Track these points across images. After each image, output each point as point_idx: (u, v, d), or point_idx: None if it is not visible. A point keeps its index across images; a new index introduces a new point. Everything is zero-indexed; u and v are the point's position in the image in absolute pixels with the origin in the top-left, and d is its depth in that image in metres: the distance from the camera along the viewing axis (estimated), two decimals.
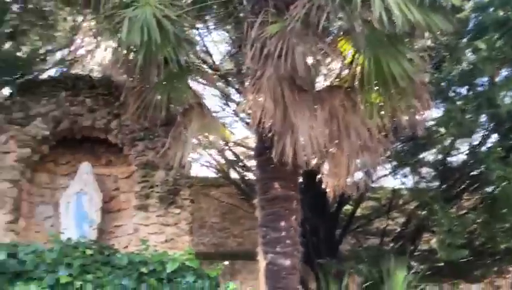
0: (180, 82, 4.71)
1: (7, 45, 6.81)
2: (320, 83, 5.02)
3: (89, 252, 4.56)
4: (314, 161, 4.50)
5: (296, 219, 4.55)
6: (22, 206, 6.11)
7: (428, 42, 6.15)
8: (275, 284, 4.38)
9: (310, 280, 8.95)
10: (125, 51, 4.44)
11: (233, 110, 9.94)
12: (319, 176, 5.23)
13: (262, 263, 4.52)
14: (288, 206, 4.51)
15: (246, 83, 5.39)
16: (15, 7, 6.47)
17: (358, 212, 9.61)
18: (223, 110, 9.65)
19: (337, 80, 4.78)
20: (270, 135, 4.35)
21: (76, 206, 6.40)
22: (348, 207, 9.53)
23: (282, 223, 4.46)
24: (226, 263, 5.10)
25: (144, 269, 4.45)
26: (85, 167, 6.64)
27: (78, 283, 4.20)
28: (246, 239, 12.36)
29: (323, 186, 4.85)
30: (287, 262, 4.37)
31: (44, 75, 7.16)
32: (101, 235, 6.51)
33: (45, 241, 6.20)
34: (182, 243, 6.06)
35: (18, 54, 6.79)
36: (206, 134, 4.93)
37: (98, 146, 7.00)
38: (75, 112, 6.47)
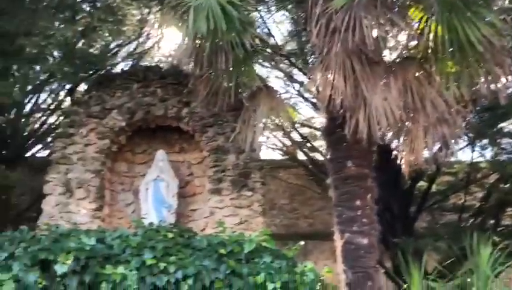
0: (247, 66, 4.73)
1: (80, 43, 7.19)
2: (391, 55, 4.82)
3: (170, 235, 4.77)
4: (389, 136, 4.34)
5: (371, 197, 4.45)
6: (105, 195, 6.46)
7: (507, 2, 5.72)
8: (352, 263, 4.34)
9: (385, 259, 8.79)
10: (192, 40, 4.52)
11: (298, 91, 9.89)
12: (393, 152, 5.07)
13: (338, 242, 4.49)
14: (362, 184, 4.43)
15: (311, 62, 5.31)
16: (86, 6, 6.78)
17: (434, 188, 9.25)
18: (287, 91, 9.63)
19: (409, 51, 4.57)
20: (340, 112, 4.27)
21: (154, 193, 6.69)
22: (422, 183, 9.20)
23: (358, 202, 4.38)
24: (302, 243, 5.10)
25: (222, 250, 4.57)
26: (160, 155, 6.90)
27: (162, 265, 4.41)
28: (317, 220, 12.34)
29: (398, 162, 4.71)
30: (365, 241, 4.31)
31: (116, 69, 7.49)
32: (178, 219, 6.77)
33: (128, 226, 6.58)
34: (256, 225, 6.16)
35: (91, 50, 7.13)
36: (275, 116, 4.91)
37: (171, 134, 7.25)
38: (148, 102, 6.72)
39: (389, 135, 4.52)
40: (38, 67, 6.56)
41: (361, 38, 3.80)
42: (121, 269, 4.29)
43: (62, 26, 6.16)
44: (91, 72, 6.96)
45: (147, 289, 4.33)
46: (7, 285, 4.01)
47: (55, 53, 6.51)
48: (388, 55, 5.00)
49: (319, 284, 4.63)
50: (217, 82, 4.95)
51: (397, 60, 4.62)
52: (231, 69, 4.75)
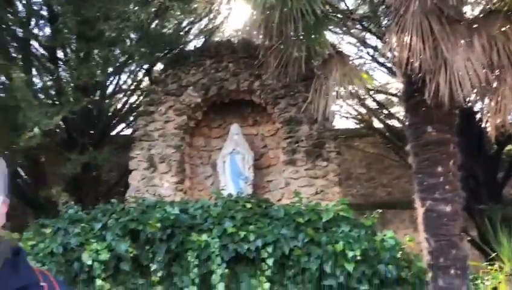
0: (317, 34, 4.63)
1: (154, 24, 7.42)
2: (473, 11, 4.47)
3: (248, 205, 4.92)
4: (472, 98, 4.07)
5: (454, 163, 4.23)
6: (185, 168, 6.76)
7: None
8: (435, 231, 4.18)
9: (470, 227, 8.40)
10: (261, 11, 4.49)
11: (372, 56, 9.54)
12: (477, 115, 4.76)
13: (420, 210, 4.34)
14: (444, 150, 4.21)
15: (385, 24, 5.08)
16: None
17: None
18: (361, 57, 9.32)
19: (494, 4, 4.21)
20: (419, 75, 4.07)
21: (231, 165, 6.88)
22: (510, 147, 8.62)
23: (439, 169, 4.19)
24: (379, 211, 5.02)
25: (300, 220, 4.64)
26: (235, 129, 7.06)
27: (242, 233, 4.58)
28: (395, 188, 12.04)
29: (482, 125, 4.43)
30: (448, 208, 4.12)
31: (189, 47, 7.68)
32: (255, 190, 6.93)
33: (209, 198, 6.86)
34: (332, 195, 6.14)
35: (164, 30, 7.35)
36: (348, 83, 4.79)
37: (244, 107, 7.37)
38: (221, 77, 6.86)
39: (473, 96, 4.23)
40: (117, 50, 6.89)
41: None
42: (204, 237, 4.52)
43: (137, 8, 6.39)
44: (166, 51, 7.18)
45: (229, 255, 4.53)
46: (103, 254, 4.38)
47: (132, 35, 6.78)
48: (469, 12, 4.65)
49: (400, 252, 4.56)
50: (287, 52, 4.89)
51: (480, 16, 4.27)
52: (301, 37, 4.68)
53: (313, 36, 4.69)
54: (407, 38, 3.91)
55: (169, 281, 4.61)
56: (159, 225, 4.45)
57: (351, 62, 4.91)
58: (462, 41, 3.82)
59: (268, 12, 4.46)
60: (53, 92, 6.96)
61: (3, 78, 6.37)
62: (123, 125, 10.35)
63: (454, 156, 4.24)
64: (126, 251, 4.40)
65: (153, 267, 4.54)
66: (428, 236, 4.22)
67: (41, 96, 6.48)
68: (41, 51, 7.25)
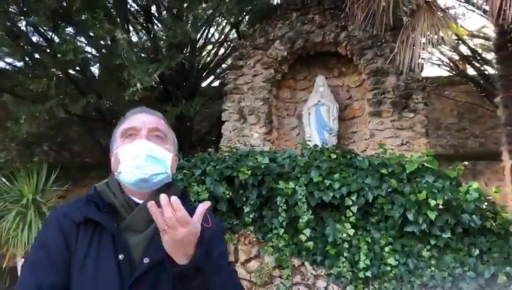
0: None
1: None
2: None
3: (333, 156, 5.18)
4: None
5: None
6: (273, 120, 7.11)
7: None
8: None
9: None
10: None
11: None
12: None
13: (507, 162, 4.33)
14: None
15: None
16: None
17: None
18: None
19: None
20: None
21: (316, 117, 7.10)
22: None
23: None
24: (466, 163, 5.02)
25: (383, 170, 4.83)
26: (320, 81, 7.22)
27: (327, 182, 4.89)
28: (488, 139, 11.56)
29: None
30: None
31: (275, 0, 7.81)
32: (340, 141, 7.13)
33: (294, 148, 7.20)
34: (419, 146, 6.17)
35: None
36: (436, 32, 4.72)
37: (329, 59, 7.45)
38: (307, 30, 6.97)
39: None
40: (207, 7, 7.23)
41: None
42: (291, 185, 4.89)
43: None
44: (253, 6, 7.39)
45: (315, 202, 4.88)
46: (203, 195, 4.94)
47: None
48: None
49: (485, 203, 4.60)
50: (375, 2, 4.90)
51: None
52: None
53: None
54: None
55: (260, 223, 5.10)
56: (250, 172, 4.88)
57: (440, 11, 4.79)
58: None
59: None
60: (150, 50, 7.54)
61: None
62: (212, 77, 10.95)
63: None
64: (223, 193, 4.91)
65: (246, 209, 5.03)
66: None
67: (141, 54, 7.06)
68: (137, 9, 7.81)
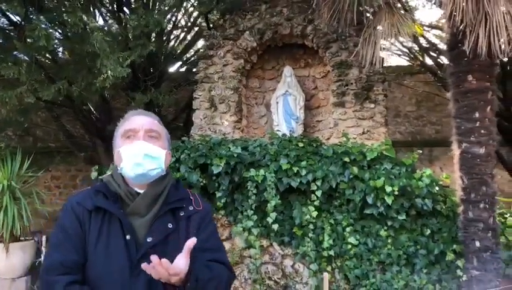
0: None
1: None
2: None
3: (300, 144, 5.54)
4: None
5: (491, 109, 4.60)
6: (242, 108, 7.38)
7: None
8: (469, 171, 4.67)
9: None
10: None
11: None
12: None
13: (456, 151, 4.81)
14: (482, 97, 4.58)
15: None
16: None
17: None
18: None
19: None
20: (462, 27, 4.38)
21: (283, 106, 7.43)
22: None
23: (477, 114, 4.58)
24: (420, 151, 5.50)
25: (346, 159, 5.24)
26: (287, 71, 7.53)
27: (295, 169, 5.25)
28: (444, 126, 12.20)
29: None
30: (481, 150, 4.57)
31: None
32: (305, 129, 7.50)
33: (262, 135, 7.52)
34: (378, 135, 6.60)
35: None
36: (396, 33, 5.11)
37: (296, 50, 7.75)
38: (275, 22, 7.22)
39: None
40: None
41: None
42: (262, 172, 5.23)
43: None
44: None
45: (283, 187, 5.24)
46: None
47: None
48: None
49: (436, 188, 5.09)
50: (340, 2, 5.22)
51: None
52: None
53: None
54: None
55: (231, 206, 5.42)
56: (223, 162, 5.18)
57: (400, 12, 5.17)
58: None
59: None
60: (121, 38, 7.62)
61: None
62: (179, 63, 11.05)
63: (491, 103, 4.61)
64: (197, 180, 5.19)
65: (218, 194, 5.33)
66: (462, 174, 4.73)
67: (113, 43, 7.14)
68: None
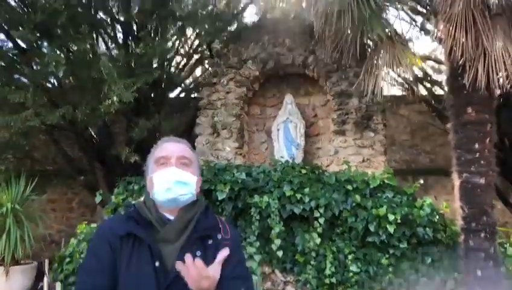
0: (372, 20, 5.13)
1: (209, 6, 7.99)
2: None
3: (303, 171, 5.64)
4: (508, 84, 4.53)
5: (490, 141, 4.75)
6: (244, 135, 7.51)
7: None
8: (469, 200, 4.78)
9: (510, 195, 8.84)
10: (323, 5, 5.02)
11: (420, 24, 9.71)
12: None
13: (456, 181, 4.93)
14: (482, 129, 4.73)
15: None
16: None
17: None
18: (410, 23, 9.48)
19: None
20: (461, 61, 4.57)
21: (284, 133, 7.56)
22: None
23: (476, 146, 4.73)
24: (421, 181, 5.63)
25: (349, 186, 5.34)
26: (288, 99, 7.70)
27: (298, 195, 5.33)
28: (438, 155, 12.35)
29: None
30: (482, 181, 4.69)
31: (248, 22, 8.25)
32: (305, 156, 7.61)
33: (263, 161, 7.62)
34: (378, 163, 6.73)
35: (226, 9, 7.95)
36: (396, 66, 5.30)
37: (297, 79, 7.93)
38: (277, 52, 7.43)
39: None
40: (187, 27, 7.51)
41: None
42: (265, 198, 5.30)
43: None
44: (227, 27, 7.79)
45: (286, 214, 5.31)
46: None
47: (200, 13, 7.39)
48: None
49: (437, 217, 5.19)
50: (343, 36, 5.43)
51: None
52: (356, 24, 5.18)
53: (368, 22, 5.18)
54: (452, 28, 4.39)
55: None
56: (228, 188, 5.25)
57: (401, 45, 5.37)
58: (502, 33, 4.25)
59: (329, 7, 4.99)
60: (127, 65, 7.77)
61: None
62: (179, 89, 11.18)
63: (490, 135, 4.76)
64: None
65: None
66: (462, 204, 4.83)
67: (120, 69, 7.29)
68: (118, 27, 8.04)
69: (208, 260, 1.63)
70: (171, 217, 1.74)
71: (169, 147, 1.82)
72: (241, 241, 2.12)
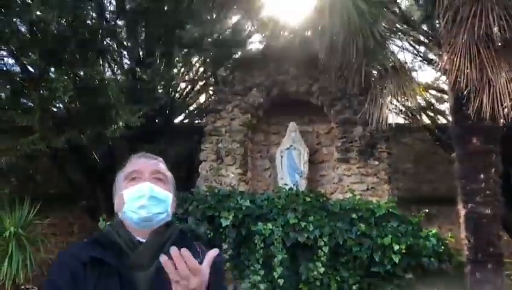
0: (376, 51, 5.21)
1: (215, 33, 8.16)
2: None
3: (307, 199, 5.62)
4: None
5: (495, 171, 4.75)
6: (248, 161, 7.52)
7: None
8: (475, 231, 4.75)
9: None
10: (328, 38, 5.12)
11: (422, 54, 9.82)
12: None
13: (462, 211, 4.91)
14: (487, 159, 4.74)
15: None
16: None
17: None
18: (412, 53, 9.61)
19: None
20: (466, 92, 4.61)
21: (288, 160, 7.57)
22: None
23: (482, 176, 4.73)
24: (426, 210, 5.60)
25: (354, 215, 5.31)
26: (292, 126, 7.73)
27: (302, 224, 5.30)
28: (442, 184, 12.27)
29: None
30: (487, 211, 4.67)
31: (253, 50, 8.37)
32: (309, 183, 7.59)
33: (266, 188, 7.60)
34: (382, 191, 6.71)
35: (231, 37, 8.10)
36: (401, 95, 5.35)
37: (301, 106, 7.98)
38: (282, 80, 7.52)
39: None
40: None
41: (488, 26, 4.07)
42: (269, 226, 5.27)
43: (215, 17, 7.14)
44: (231, 55, 7.91)
45: (290, 242, 5.27)
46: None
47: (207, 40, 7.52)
48: None
49: (442, 247, 5.14)
50: (348, 65, 5.50)
51: None
52: (362, 55, 5.27)
53: (373, 52, 5.26)
54: (457, 60, 4.45)
55: (237, 260, 5.41)
56: (232, 215, 5.23)
57: (406, 75, 5.43)
58: (506, 65, 4.31)
59: (334, 37, 5.09)
60: (134, 90, 7.86)
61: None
62: (183, 115, 11.25)
63: (496, 165, 4.76)
64: (204, 232, 5.22)
65: (224, 247, 5.34)
66: (468, 234, 4.80)
67: (127, 94, 7.37)
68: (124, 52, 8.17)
69: None
70: (142, 240, 1.52)
71: (142, 161, 1.62)
72: (223, 266, 1.80)
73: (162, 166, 1.62)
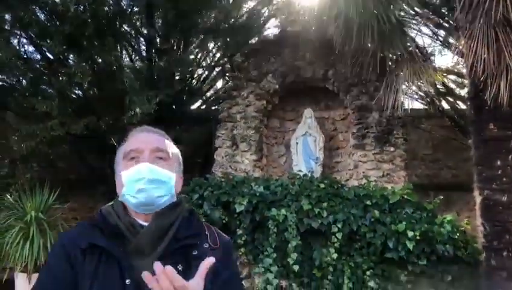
0: (392, 36, 5.13)
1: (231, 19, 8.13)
2: None
3: (322, 185, 5.63)
4: None
5: None
6: (263, 147, 7.54)
7: None
8: (491, 218, 4.70)
9: None
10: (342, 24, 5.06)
11: (443, 38, 9.63)
12: None
13: (478, 198, 4.85)
14: (504, 145, 4.66)
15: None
16: None
17: None
18: (432, 38, 9.43)
19: None
20: (483, 77, 4.52)
21: (303, 146, 7.57)
22: None
23: (498, 162, 4.66)
24: (441, 197, 5.55)
25: (368, 202, 5.30)
26: (308, 113, 7.70)
27: (316, 210, 5.32)
28: (461, 170, 12.11)
29: None
30: (504, 198, 4.61)
31: (269, 35, 8.33)
32: (324, 170, 7.58)
33: (281, 174, 7.62)
34: (398, 178, 6.66)
35: (248, 21, 8.06)
36: (417, 80, 5.27)
37: (317, 92, 7.94)
38: (298, 66, 7.47)
39: None
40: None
41: (506, 9, 3.97)
42: (283, 211, 5.30)
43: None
44: (247, 41, 7.89)
45: (303, 228, 5.30)
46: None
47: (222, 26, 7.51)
48: None
49: (457, 234, 5.10)
50: (364, 50, 5.44)
51: None
52: (377, 40, 5.20)
53: (388, 37, 5.19)
54: (473, 45, 4.36)
55: (251, 245, 5.48)
56: (246, 201, 5.28)
57: (422, 60, 5.35)
58: None
59: (349, 22, 5.02)
60: (149, 77, 7.93)
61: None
62: (200, 101, 11.31)
63: None
64: (219, 217, 5.29)
65: (239, 232, 5.40)
66: (484, 221, 4.75)
67: (142, 81, 7.43)
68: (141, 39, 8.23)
69: (192, 276, 1.23)
70: (145, 223, 1.42)
71: (142, 138, 1.47)
72: (233, 250, 1.64)
73: (165, 142, 1.50)
